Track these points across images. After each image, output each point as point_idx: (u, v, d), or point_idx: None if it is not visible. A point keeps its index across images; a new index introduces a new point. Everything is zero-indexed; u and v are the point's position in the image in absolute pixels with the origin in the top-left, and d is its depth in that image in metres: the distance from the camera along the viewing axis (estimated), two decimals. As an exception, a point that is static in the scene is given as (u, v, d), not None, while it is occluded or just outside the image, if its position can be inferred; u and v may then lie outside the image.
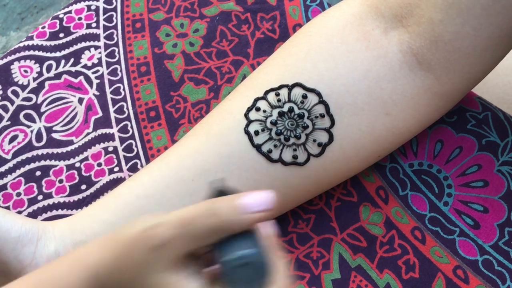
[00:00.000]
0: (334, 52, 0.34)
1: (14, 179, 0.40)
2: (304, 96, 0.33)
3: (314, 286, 0.36)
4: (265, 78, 0.35)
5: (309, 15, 0.44)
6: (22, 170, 0.40)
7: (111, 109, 0.42)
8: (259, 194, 0.24)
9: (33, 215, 0.39)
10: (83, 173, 0.40)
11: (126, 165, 0.40)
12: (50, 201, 0.39)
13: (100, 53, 0.44)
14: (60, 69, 0.43)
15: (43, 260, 0.32)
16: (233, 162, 0.33)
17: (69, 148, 0.41)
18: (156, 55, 0.44)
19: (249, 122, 0.33)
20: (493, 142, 0.39)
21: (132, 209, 0.33)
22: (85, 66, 0.43)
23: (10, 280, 0.32)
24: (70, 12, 0.46)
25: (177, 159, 0.34)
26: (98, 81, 0.43)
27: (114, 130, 0.41)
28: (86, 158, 0.40)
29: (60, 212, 0.39)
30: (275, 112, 0.34)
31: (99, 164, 0.40)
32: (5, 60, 0.44)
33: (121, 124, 0.41)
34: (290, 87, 0.34)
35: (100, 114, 0.42)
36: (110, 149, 0.41)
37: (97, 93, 0.42)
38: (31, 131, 0.41)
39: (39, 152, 0.41)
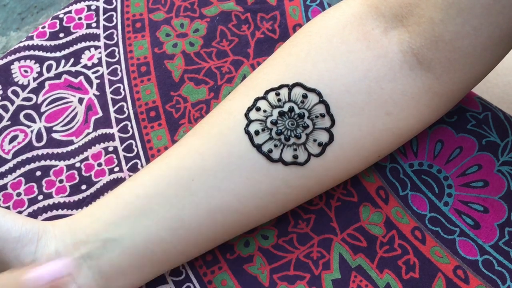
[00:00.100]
0: (334, 52, 0.34)
1: (14, 179, 0.40)
2: (305, 96, 0.33)
3: (314, 286, 0.36)
4: (265, 78, 0.35)
5: (309, 15, 0.44)
6: (22, 170, 0.40)
7: (111, 109, 0.42)
8: (48, 266, 0.22)
9: (33, 215, 0.39)
10: (83, 173, 0.40)
11: (126, 165, 0.40)
12: (50, 201, 0.39)
13: (100, 53, 0.44)
14: (60, 69, 0.43)
15: (44, 260, 0.32)
16: (233, 162, 0.33)
17: (69, 148, 0.41)
18: (156, 55, 0.44)
19: (249, 122, 0.33)
20: (493, 142, 0.40)
21: (133, 209, 0.33)
22: (85, 66, 0.44)
23: (10, 280, 0.32)
24: (70, 12, 0.46)
25: (177, 159, 0.34)
26: (98, 81, 0.43)
27: (114, 130, 0.41)
28: (86, 158, 0.40)
29: (60, 212, 0.39)
30: (276, 112, 0.34)
31: (99, 164, 0.40)
32: (5, 60, 0.44)
33: (121, 124, 0.41)
34: (290, 87, 0.34)
35: (100, 114, 0.42)
36: (110, 149, 0.41)
37: (97, 93, 0.42)
38: (31, 131, 0.41)
39: (39, 152, 0.41)
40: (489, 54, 0.33)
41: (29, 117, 0.42)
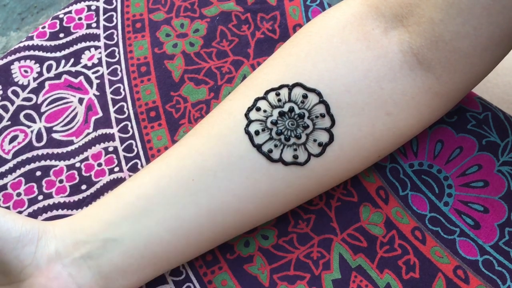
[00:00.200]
0: (334, 52, 0.34)
1: (14, 179, 0.40)
2: (305, 96, 0.33)
3: (314, 286, 0.36)
4: (265, 78, 0.35)
5: (309, 15, 0.44)
6: (22, 170, 0.40)
7: (111, 109, 0.42)
8: None
9: (33, 215, 0.39)
10: (83, 173, 0.40)
11: (126, 165, 0.40)
12: (50, 201, 0.39)
13: (100, 53, 0.44)
14: (60, 69, 0.43)
15: (44, 260, 0.32)
16: (233, 162, 0.33)
17: (69, 148, 0.41)
18: (156, 55, 0.44)
19: (250, 122, 0.33)
20: (493, 142, 0.40)
21: (133, 209, 0.33)
22: (85, 66, 0.44)
23: (10, 280, 0.32)
24: (70, 12, 0.46)
25: (178, 159, 0.34)
26: (98, 81, 0.43)
27: (114, 130, 0.41)
28: (86, 158, 0.40)
29: (60, 212, 0.39)
30: (276, 112, 0.34)
31: (99, 164, 0.40)
32: (5, 60, 0.44)
33: (121, 124, 0.41)
34: (291, 87, 0.34)
35: (100, 114, 0.42)
36: (110, 149, 0.41)
37: (97, 93, 0.42)
38: (31, 131, 0.41)
39: (39, 152, 0.41)
40: (489, 54, 0.33)
41: (29, 117, 0.42)
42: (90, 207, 0.34)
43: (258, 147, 0.33)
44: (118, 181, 0.39)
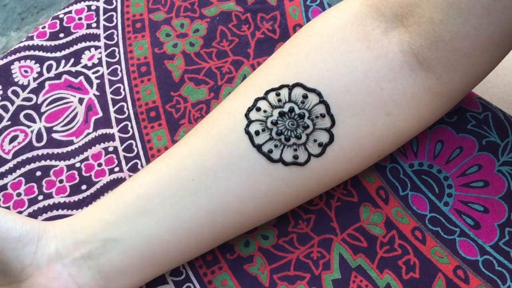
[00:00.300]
0: (335, 52, 0.34)
1: (14, 179, 0.40)
2: (305, 96, 0.33)
3: (314, 286, 0.36)
4: (265, 78, 0.35)
5: (309, 15, 0.44)
6: (23, 170, 0.40)
7: (111, 109, 0.42)
8: None
9: (34, 215, 0.39)
10: (83, 173, 0.40)
11: (127, 165, 0.40)
12: (50, 201, 0.39)
13: (100, 53, 0.44)
14: (60, 69, 0.43)
15: (44, 260, 0.32)
16: (233, 162, 0.33)
17: (69, 148, 0.41)
18: (156, 55, 0.44)
19: (250, 122, 0.33)
20: (493, 142, 0.40)
21: (133, 209, 0.33)
22: (85, 66, 0.44)
23: (10, 280, 0.32)
24: (70, 12, 0.46)
25: (178, 159, 0.34)
26: (98, 81, 0.43)
27: (115, 130, 0.41)
28: (86, 158, 0.40)
29: (60, 212, 0.39)
30: (276, 112, 0.34)
31: (100, 164, 0.40)
32: (5, 60, 0.44)
33: (121, 124, 0.41)
34: (291, 87, 0.34)
35: (100, 114, 0.42)
36: (111, 149, 0.41)
37: (97, 93, 0.42)
38: (31, 131, 0.41)
39: (39, 152, 0.41)
40: (489, 54, 0.33)
41: (29, 117, 0.42)
42: (90, 207, 0.34)
43: (258, 147, 0.33)
44: (118, 181, 0.39)
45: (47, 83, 0.43)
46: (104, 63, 0.44)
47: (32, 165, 0.40)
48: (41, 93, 0.42)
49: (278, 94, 0.34)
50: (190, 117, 0.42)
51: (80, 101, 0.42)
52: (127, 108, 0.42)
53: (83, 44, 0.44)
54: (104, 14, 0.45)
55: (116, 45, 0.44)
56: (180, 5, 0.45)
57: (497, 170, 0.39)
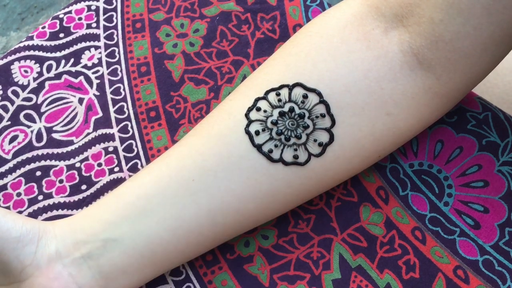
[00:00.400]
0: (335, 52, 0.34)
1: (14, 179, 0.40)
2: (305, 96, 0.33)
3: (314, 286, 0.36)
4: (265, 78, 0.35)
5: (309, 15, 0.44)
6: (22, 170, 0.40)
7: (111, 109, 0.42)
8: None
9: (34, 215, 0.39)
10: (83, 173, 0.40)
11: (127, 165, 0.40)
12: (50, 201, 0.39)
13: (100, 53, 0.44)
14: (60, 69, 0.43)
15: (44, 260, 0.32)
16: (233, 162, 0.33)
17: (69, 148, 0.41)
18: (156, 55, 0.44)
19: (250, 122, 0.33)
20: (493, 142, 0.40)
21: (133, 209, 0.33)
22: (85, 66, 0.43)
23: (10, 280, 0.32)
24: (70, 12, 0.46)
25: (178, 159, 0.34)
26: (98, 81, 0.43)
27: (114, 130, 0.41)
28: (86, 158, 0.40)
29: (60, 212, 0.39)
30: (276, 112, 0.34)
31: (99, 164, 0.40)
32: (5, 60, 0.44)
33: (121, 124, 0.41)
34: (291, 87, 0.34)
35: (100, 114, 0.42)
36: (110, 149, 0.41)
37: (97, 93, 0.42)
38: (31, 131, 0.41)
39: (39, 152, 0.41)
40: (489, 54, 0.33)
41: (29, 117, 0.42)
42: (90, 207, 0.34)
43: (258, 147, 0.33)
44: (118, 181, 0.39)
45: (47, 83, 0.43)
46: (104, 63, 0.44)
47: (32, 165, 0.40)
48: (41, 93, 0.42)
49: (278, 94, 0.34)
50: (190, 117, 0.42)
51: (80, 101, 0.42)
52: (127, 108, 0.42)
53: (83, 44, 0.44)
54: (104, 14, 0.45)
55: (116, 45, 0.44)
56: (180, 5, 0.45)
57: (497, 170, 0.39)
